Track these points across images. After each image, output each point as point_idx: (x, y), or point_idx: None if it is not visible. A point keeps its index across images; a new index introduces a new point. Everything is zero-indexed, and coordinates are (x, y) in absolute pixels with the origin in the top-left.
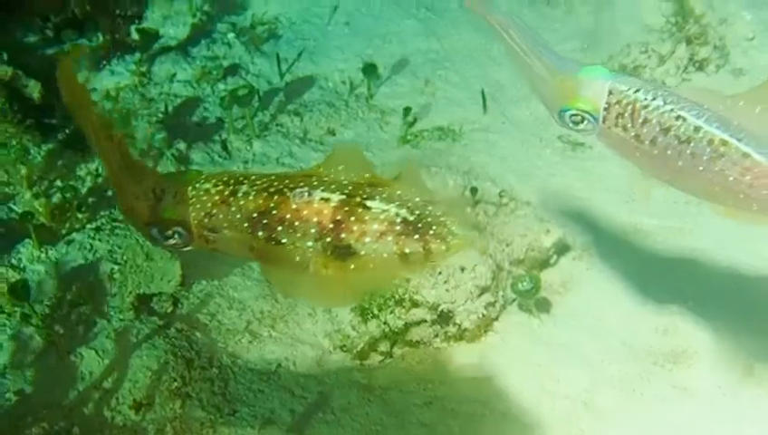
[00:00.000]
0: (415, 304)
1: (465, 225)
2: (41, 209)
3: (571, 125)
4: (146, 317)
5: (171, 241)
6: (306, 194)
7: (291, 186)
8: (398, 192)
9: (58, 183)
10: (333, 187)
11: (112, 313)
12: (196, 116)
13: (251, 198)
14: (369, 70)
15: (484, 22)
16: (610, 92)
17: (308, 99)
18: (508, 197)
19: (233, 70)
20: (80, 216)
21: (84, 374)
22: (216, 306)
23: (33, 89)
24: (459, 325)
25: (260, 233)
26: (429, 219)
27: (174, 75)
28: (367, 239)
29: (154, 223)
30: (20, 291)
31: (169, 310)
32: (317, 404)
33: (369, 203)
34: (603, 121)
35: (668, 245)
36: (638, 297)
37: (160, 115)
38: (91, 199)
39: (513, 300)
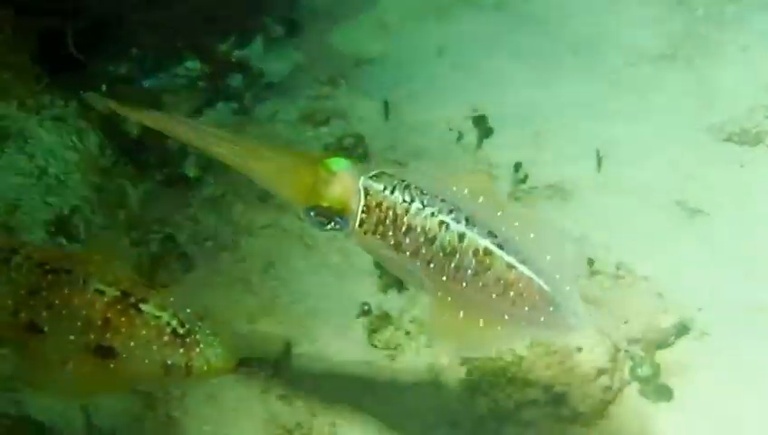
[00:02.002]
0: (527, 384)
1: (230, 347)
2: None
3: (317, 225)
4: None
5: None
6: (82, 281)
7: (66, 268)
8: (172, 299)
9: (155, 228)
10: (110, 279)
11: None
12: None
13: (23, 271)
14: (480, 121)
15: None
16: (367, 193)
17: (413, 147)
18: (624, 269)
19: (336, 112)
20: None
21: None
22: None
23: (133, 125)
24: (574, 408)
25: (22, 314)
26: (198, 336)
27: (276, 114)
28: (132, 343)
29: None
30: None
31: (270, 373)
32: None
33: (142, 306)
34: (360, 225)
35: None
36: (764, 387)
37: None
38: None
39: (630, 383)
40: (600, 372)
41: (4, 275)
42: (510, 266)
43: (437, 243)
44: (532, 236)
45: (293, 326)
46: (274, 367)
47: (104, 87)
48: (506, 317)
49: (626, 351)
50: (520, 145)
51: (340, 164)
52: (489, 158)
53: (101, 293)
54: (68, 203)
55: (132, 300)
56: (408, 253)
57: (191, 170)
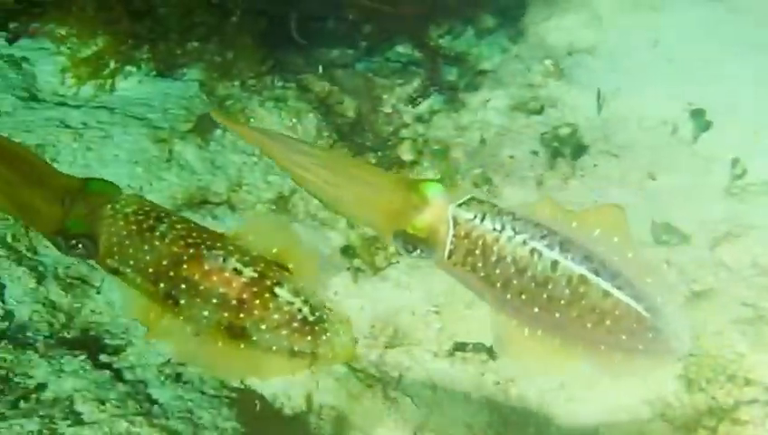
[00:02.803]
0: (748, 383)
1: (352, 336)
2: (357, 243)
3: (403, 251)
4: (462, 368)
5: (76, 251)
6: (221, 259)
7: (208, 243)
8: (302, 284)
9: None
10: (248, 259)
11: (427, 356)
12: (509, 148)
13: (166, 240)
14: (697, 114)
15: None
16: (456, 222)
17: (626, 138)
18: None
19: (549, 101)
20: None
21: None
22: None
23: (348, 107)
24: None
25: (161, 285)
26: (326, 324)
27: (488, 101)
28: (263, 326)
29: (58, 233)
30: None
31: (484, 359)
32: None
33: (277, 290)
34: (449, 257)
35: None
36: None
37: (474, 145)
38: None
39: None
40: None
41: (149, 242)
42: (606, 294)
43: (529, 273)
44: (630, 255)
45: None
46: (489, 352)
47: (320, 69)
48: (602, 347)
49: None
50: (737, 140)
51: (433, 189)
52: (704, 152)
53: (239, 272)
54: (288, 182)
55: (268, 283)
56: (498, 284)
57: (407, 153)
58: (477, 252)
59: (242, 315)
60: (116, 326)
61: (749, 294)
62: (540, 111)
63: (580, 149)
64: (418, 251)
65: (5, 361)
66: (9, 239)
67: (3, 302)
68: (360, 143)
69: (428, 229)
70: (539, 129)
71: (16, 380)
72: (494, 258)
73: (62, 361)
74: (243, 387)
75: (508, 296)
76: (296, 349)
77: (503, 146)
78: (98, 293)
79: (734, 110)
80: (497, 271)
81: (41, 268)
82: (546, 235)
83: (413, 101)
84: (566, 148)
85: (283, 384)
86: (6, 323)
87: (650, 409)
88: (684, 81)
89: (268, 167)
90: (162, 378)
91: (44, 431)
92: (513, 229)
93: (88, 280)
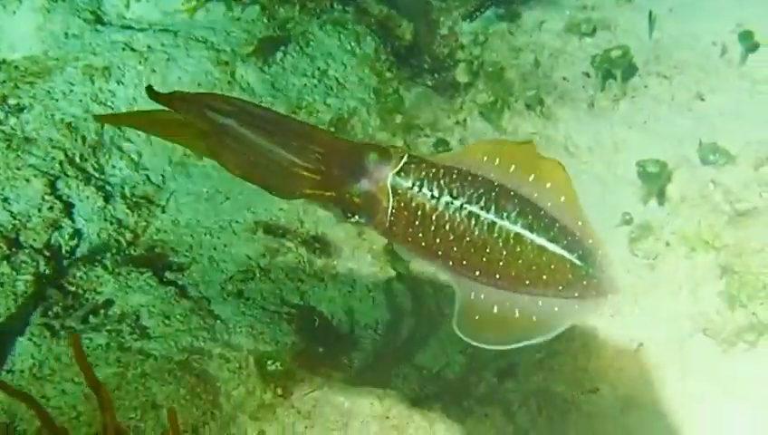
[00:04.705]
0: None
1: None
2: None
3: (341, 215)
4: None
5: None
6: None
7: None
8: None
9: (427, 132)
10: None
11: None
12: (562, 70)
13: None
14: (746, 36)
15: None
16: (395, 192)
17: (677, 60)
18: None
19: (602, 22)
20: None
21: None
22: None
23: (406, 29)
24: None
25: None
26: None
27: (542, 23)
28: None
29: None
30: None
31: None
32: (676, 393)
33: None
34: (390, 227)
35: None
36: None
37: (528, 67)
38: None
39: None
40: None
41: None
42: (542, 250)
43: (467, 239)
44: (562, 199)
45: None
46: None
47: None
48: (540, 303)
49: None
50: None
51: (373, 157)
52: (753, 74)
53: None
54: (347, 105)
55: None
56: (440, 253)
57: (462, 76)
58: (417, 223)
59: None
60: (180, 244)
61: None
62: (592, 34)
63: (631, 71)
64: (356, 217)
65: (75, 277)
66: (78, 159)
67: (72, 220)
68: (416, 65)
69: (367, 197)
70: (591, 51)
71: (86, 296)
72: (432, 228)
73: (128, 277)
74: (302, 303)
75: (450, 264)
76: None
77: (556, 68)
78: (163, 212)
79: None
80: (437, 240)
81: (108, 187)
82: (483, 193)
83: (470, 16)
84: (617, 69)
85: (341, 300)
86: (75, 241)
87: (692, 323)
88: (733, 2)
89: (328, 89)
90: (225, 295)
91: (112, 344)
92: (451, 194)
93: (154, 199)
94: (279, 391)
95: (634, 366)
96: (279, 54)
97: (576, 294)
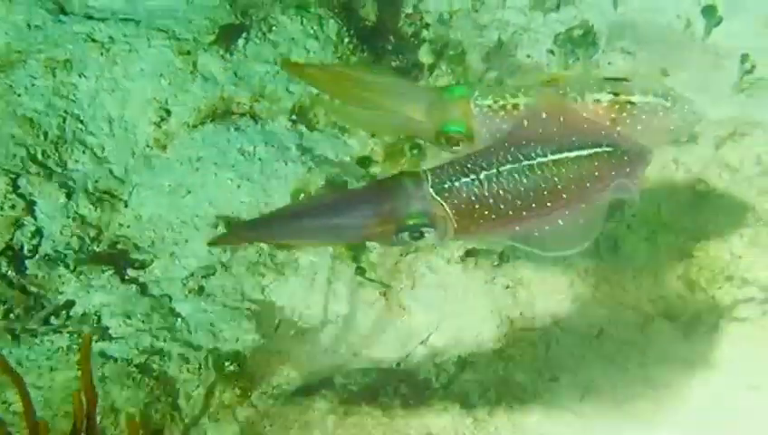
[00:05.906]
0: (745, 283)
1: None
2: (379, 151)
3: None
4: (472, 271)
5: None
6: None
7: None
8: None
9: None
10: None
11: (442, 262)
12: (527, 47)
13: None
14: (709, 10)
15: None
16: (443, 196)
17: (641, 35)
18: None
19: None
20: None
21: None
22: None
23: (370, 10)
24: None
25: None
26: None
27: (506, 1)
28: None
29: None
30: None
31: (495, 263)
32: (637, 378)
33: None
34: (460, 225)
35: None
36: None
37: (492, 46)
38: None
39: None
40: None
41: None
42: (578, 159)
43: (521, 190)
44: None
45: None
46: (500, 257)
47: None
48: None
49: None
50: (748, 35)
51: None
52: (717, 47)
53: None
54: (309, 92)
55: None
56: (510, 213)
57: (426, 57)
58: (478, 206)
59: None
60: (143, 240)
61: (750, 194)
62: (557, 9)
63: (594, 47)
64: (424, 237)
65: (37, 277)
66: (40, 156)
67: (34, 218)
68: (380, 47)
69: (425, 214)
70: (556, 28)
71: (48, 296)
72: (491, 200)
73: (90, 276)
74: (263, 299)
75: (521, 217)
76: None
77: (521, 46)
78: (125, 206)
79: (745, 4)
80: (501, 206)
81: (70, 183)
82: (503, 152)
83: None
84: (579, 48)
85: (302, 294)
86: (37, 240)
87: (653, 307)
88: None
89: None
90: (186, 291)
91: (74, 347)
92: (483, 168)
93: (116, 194)
94: (238, 391)
95: (594, 353)
96: (241, 41)
97: (625, 171)
